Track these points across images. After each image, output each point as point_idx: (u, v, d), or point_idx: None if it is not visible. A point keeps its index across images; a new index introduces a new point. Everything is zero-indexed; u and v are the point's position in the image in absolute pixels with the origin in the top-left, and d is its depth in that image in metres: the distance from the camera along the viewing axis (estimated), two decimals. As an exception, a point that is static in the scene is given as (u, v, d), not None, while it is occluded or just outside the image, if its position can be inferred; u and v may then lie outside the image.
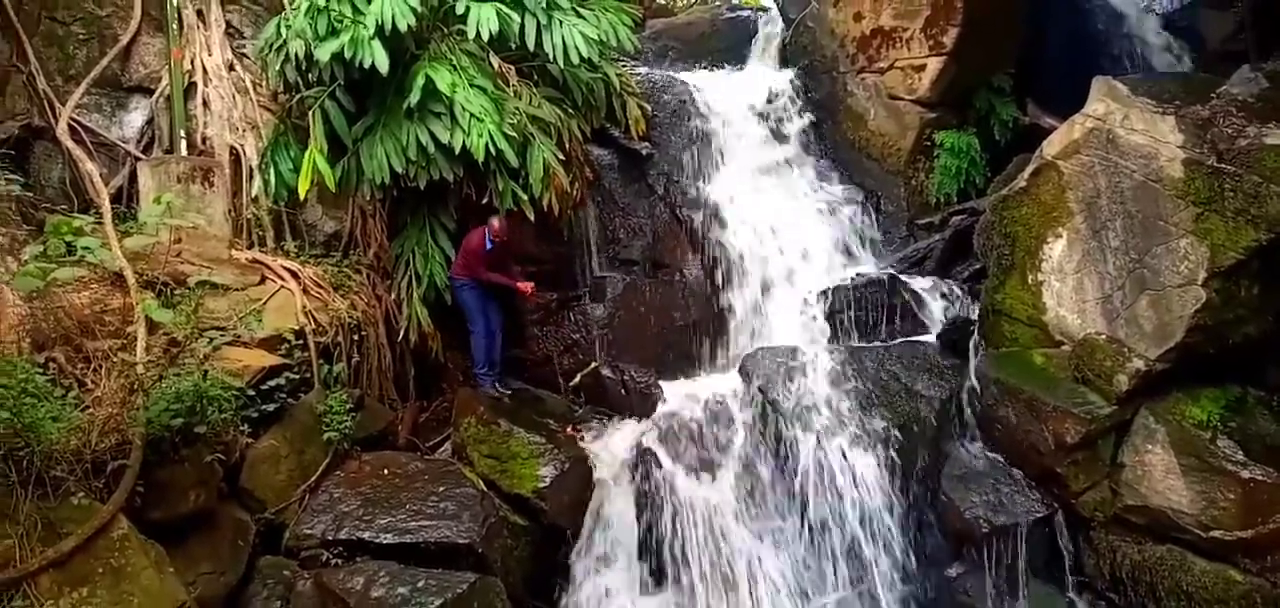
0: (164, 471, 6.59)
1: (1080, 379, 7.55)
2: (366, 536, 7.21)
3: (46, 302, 7.05)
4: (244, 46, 9.84)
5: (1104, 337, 7.47)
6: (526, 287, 8.88)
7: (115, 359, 6.99)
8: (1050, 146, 7.96)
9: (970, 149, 10.32)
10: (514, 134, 8.39)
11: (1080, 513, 7.46)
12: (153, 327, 7.37)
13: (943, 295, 9.33)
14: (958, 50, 10.12)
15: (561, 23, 8.89)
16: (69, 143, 9.06)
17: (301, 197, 8.84)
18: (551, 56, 8.89)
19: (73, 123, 9.18)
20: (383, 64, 8.07)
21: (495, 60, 8.82)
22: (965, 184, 10.33)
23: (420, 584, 6.83)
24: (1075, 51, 10.85)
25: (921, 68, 10.35)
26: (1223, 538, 6.77)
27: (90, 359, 7.03)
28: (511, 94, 8.73)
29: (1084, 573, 7.52)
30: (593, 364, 9.19)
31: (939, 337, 8.86)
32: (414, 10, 8.19)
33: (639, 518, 7.93)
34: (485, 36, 8.49)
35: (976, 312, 8.64)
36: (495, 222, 8.61)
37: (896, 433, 7.92)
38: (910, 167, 10.49)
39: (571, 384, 9.19)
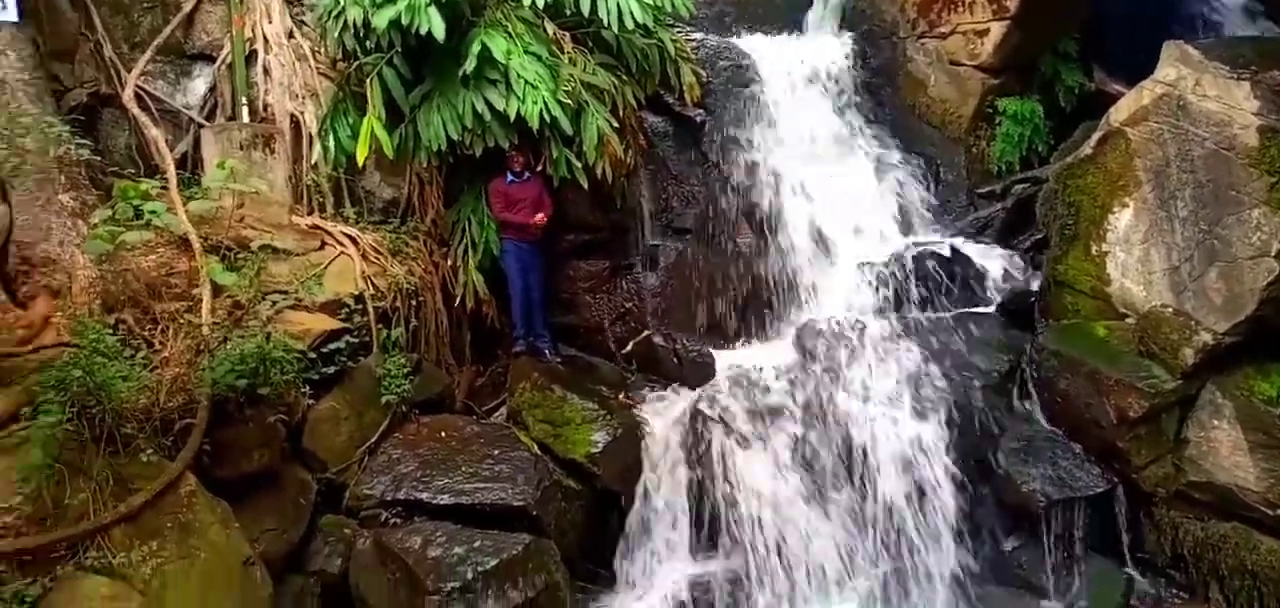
0: (229, 430, 6.78)
1: (1144, 352, 7.40)
2: (424, 496, 7.35)
3: (115, 264, 7.27)
4: (303, 14, 9.92)
5: (1170, 309, 7.29)
6: (536, 219, 8.75)
7: (182, 321, 7.20)
8: (1117, 113, 7.75)
9: (1033, 116, 10.09)
10: (568, 101, 8.39)
11: (1142, 488, 7.33)
12: (217, 290, 7.57)
13: (1003, 266, 9.18)
14: (1022, 15, 9.85)
15: (617, -12, 8.83)
16: (135, 110, 9.25)
17: (360, 163, 8.94)
18: (606, 22, 8.83)
19: (138, 90, 9.37)
20: (439, 31, 8.09)
21: (550, 27, 8.80)
22: (1028, 152, 10.13)
23: (476, 545, 6.95)
24: (1144, 15, 10.50)
25: (984, 33, 10.11)
26: (1292, 517, 6.61)
27: (158, 321, 7.24)
28: (566, 61, 8.69)
29: (1144, 549, 7.41)
30: (645, 333, 9.20)
31: (999, 308, 8.73)
32: (470, -24, 8.20)
33: (691, 484, 7.95)
34: (540, 3, 8.48)
35: (1038, 283, 8.48)
36: (512, 152, 8.67)
37: (953, 405, 7.82)
38: (971, 134, 10.31)
39: (624, 352, 9.20)
